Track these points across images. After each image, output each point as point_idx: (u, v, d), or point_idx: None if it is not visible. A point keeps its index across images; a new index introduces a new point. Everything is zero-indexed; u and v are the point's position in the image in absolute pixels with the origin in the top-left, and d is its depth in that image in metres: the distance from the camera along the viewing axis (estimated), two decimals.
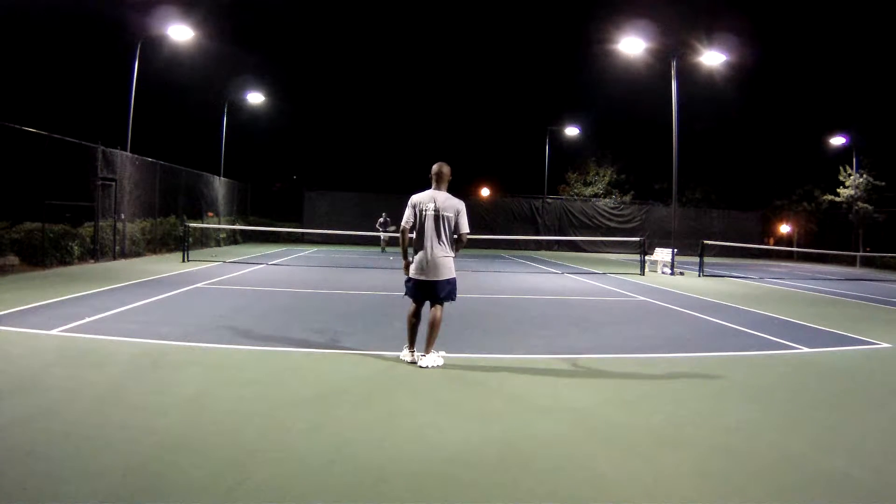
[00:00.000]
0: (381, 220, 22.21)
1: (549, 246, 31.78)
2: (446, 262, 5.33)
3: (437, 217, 5.29)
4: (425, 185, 5.57)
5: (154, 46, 20.63)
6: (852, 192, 30.89)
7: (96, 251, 14.24)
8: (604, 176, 36.05)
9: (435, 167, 5.47)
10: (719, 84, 25.24)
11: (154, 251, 17.52)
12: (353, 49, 48.55)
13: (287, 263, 16.69)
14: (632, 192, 35.65)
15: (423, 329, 5.40)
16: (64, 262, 12.89)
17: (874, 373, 5.98)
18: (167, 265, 14.03)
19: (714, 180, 36.50)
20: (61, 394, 4.13)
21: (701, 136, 31.24)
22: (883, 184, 30.35)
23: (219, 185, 25.04)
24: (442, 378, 4.98)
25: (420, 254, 5.32)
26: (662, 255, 18.51)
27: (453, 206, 5.34)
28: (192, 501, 2.71)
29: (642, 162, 35.73)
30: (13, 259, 11.76)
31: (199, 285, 10.49)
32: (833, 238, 31.71)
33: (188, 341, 5.87)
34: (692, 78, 22.08)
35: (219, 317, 7.41)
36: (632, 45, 19.14)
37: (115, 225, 15.21)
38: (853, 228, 31.14)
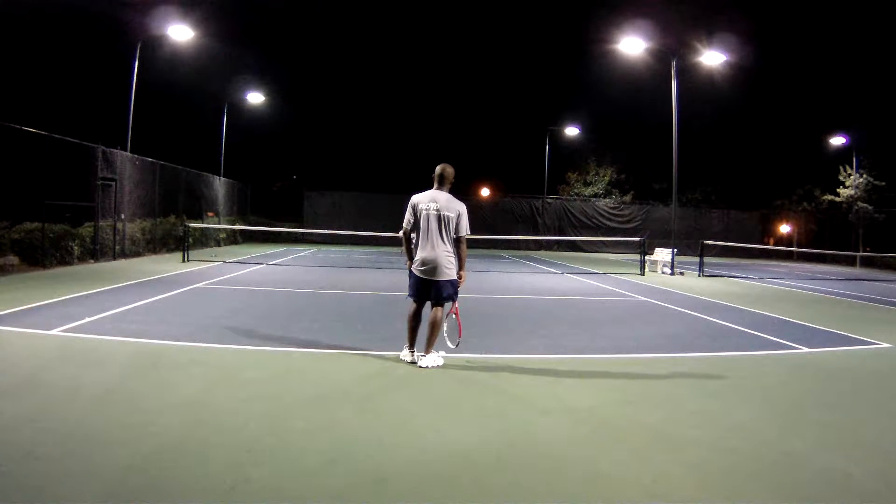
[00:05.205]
0: None
1: (549, 246, 31.77)
2: (449, 262, 5.32)
3: (440, 217, 5.30)
4: (426, 185, 5.57)
5: (154, 46, 20.63)
6: (852, 192, 30.91)
7: (96, 251, 14.24)
8: (604, 176, 36.04)
9: (438, 168, 5.48)
10: (719, 84, 25.27)
11: (154, 251, 17.51)
12: (353, 49, 48.53)
13: (287, 263, 16.69)
14: (632, 192, 35.63)
15: (423, 329, 5.40)
16: (64, 262, 12.90)
17: (874, 373, 5.98)
18: (167, 265, 14.03)
19: (714, 180, 36.50)
20: (61, 394, 4.13)
21: (701, 136, 31.22)
22: (883, 184, 30.37)
23: (219, 185, 25.03)
24: (442, 378, 4.98)
25: (422, 253, 5.32)
26: (662, 255, 18.51)
27: (455, 208, 5.34)
28: (192, 501, 2.71)
29: (642, 162, 35.70)
30: (13, 259, 11.75)
31: (199, 285, 10.49)
32: (833, 238, 31.72)
33: (188, 341, 5.87)
34: (692, 78, 22.09)
35: (219, 317, 7.41)
36: (632, 45, 19.15)
37: (115, 225, 15.20)
38: (853, 228, 31.15)
